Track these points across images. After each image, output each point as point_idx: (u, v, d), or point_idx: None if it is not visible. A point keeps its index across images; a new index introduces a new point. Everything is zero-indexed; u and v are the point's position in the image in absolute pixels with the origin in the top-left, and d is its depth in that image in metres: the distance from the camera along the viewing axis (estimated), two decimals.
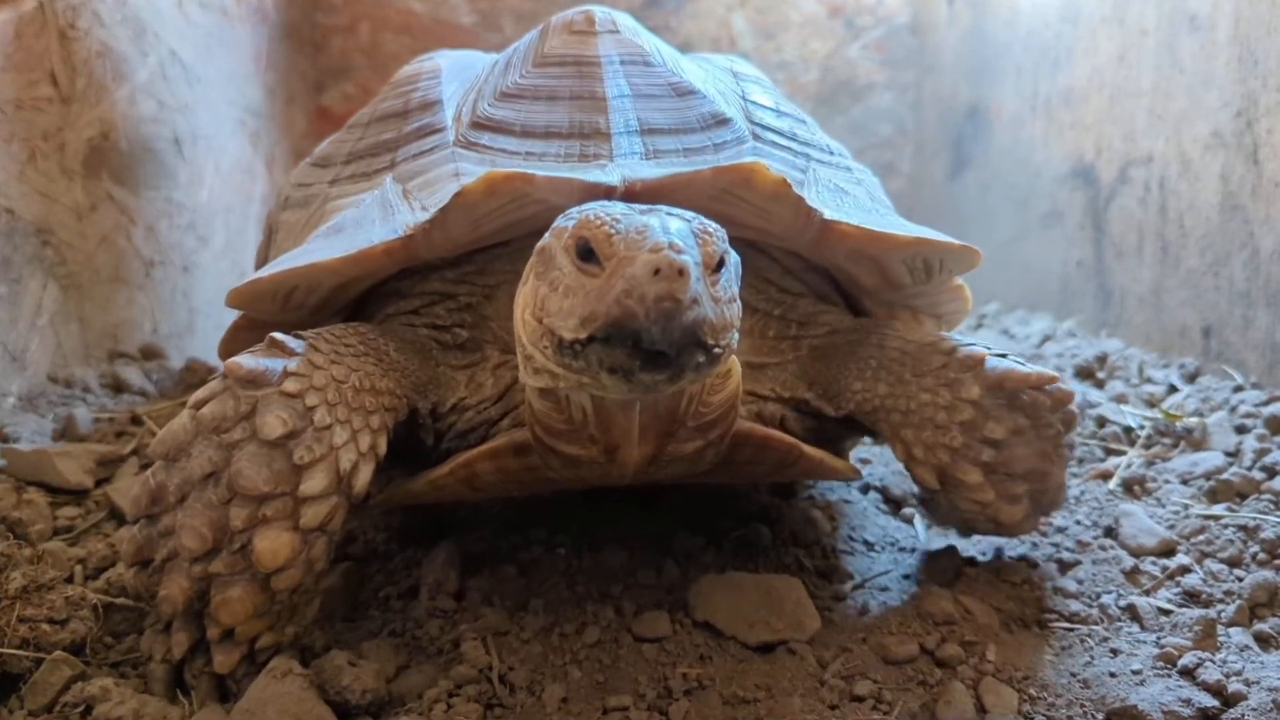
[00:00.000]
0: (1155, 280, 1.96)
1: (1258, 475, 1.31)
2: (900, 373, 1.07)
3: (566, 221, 0.82)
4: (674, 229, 0.75)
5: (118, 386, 1.62)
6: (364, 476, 0.91)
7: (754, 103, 1.23)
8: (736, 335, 0.80)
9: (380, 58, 3.10)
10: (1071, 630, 1.04)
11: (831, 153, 1.27)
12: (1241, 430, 1.46)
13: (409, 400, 1.00)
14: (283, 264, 1.04)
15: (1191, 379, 1.73)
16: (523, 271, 0.89)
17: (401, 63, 1.38)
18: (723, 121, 1.15)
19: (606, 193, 0.99)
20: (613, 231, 0.76)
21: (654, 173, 1.02)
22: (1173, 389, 1.70)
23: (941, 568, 1.14)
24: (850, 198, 1.15)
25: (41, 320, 1.50)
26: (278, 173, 2.55)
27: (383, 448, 0.94)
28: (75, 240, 1.60)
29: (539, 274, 0.83)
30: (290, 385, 0.88)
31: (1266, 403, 1.50)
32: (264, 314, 1.14)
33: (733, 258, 0.84)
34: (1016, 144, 2.66)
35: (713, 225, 0.80)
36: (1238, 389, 1.60)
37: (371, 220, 1.05)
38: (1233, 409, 1.53)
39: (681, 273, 0.70)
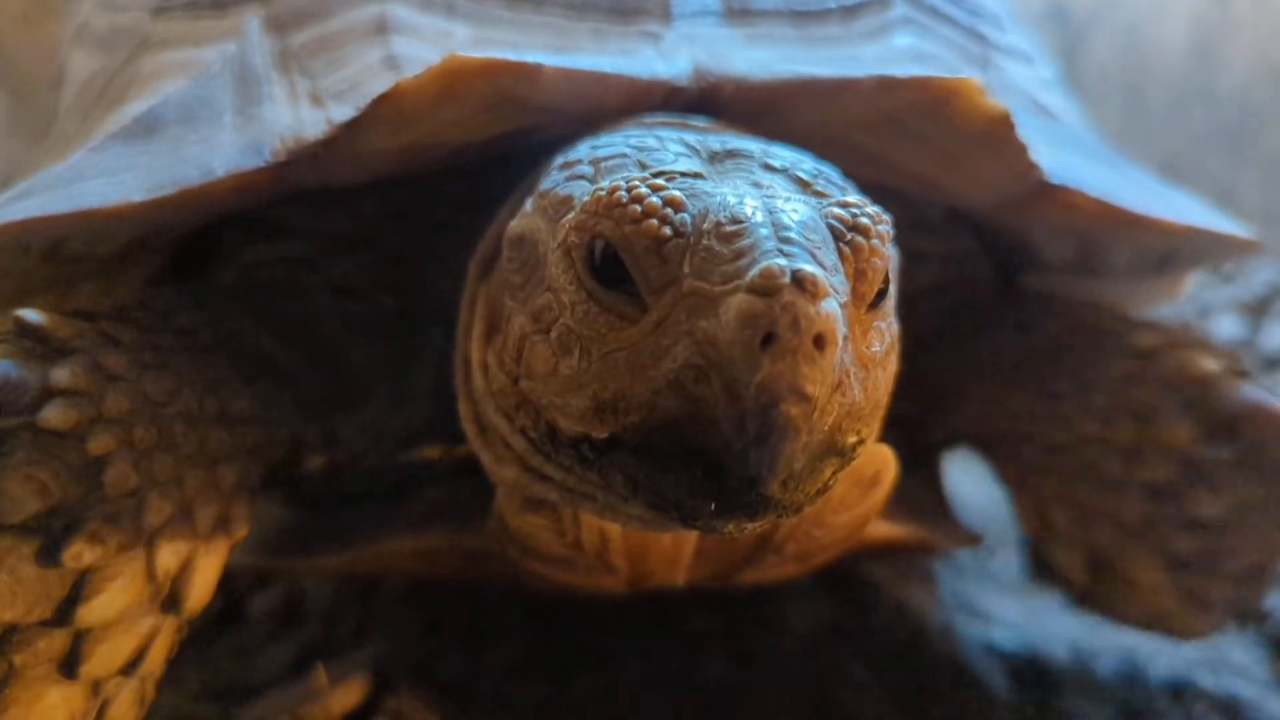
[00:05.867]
0: (1121, 122, 1.95)
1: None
2: (1052, 376, 0.64)
3: (569, 186, 0.44)
4: (795, 221, 0.38)
5: None
6: (206, 579, 0.54)
7: None
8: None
9: None
10: None
11: (1001, 25, 0.78)
12: None
13: (293, 431, 0.61)
14: (35, 199, 0.59)
15: None
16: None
17: None
18: None
19: (667, 97, 0.57)
20: (666, 229, 0.38)
21: (754, 67, 0.58)
22: None
23: None
24: (1060, 126, 0.73)
25: None
26: None
27: (242, 525, 0.57)
28: (22, 49, 1.57)
29: (513, 286, 0.45)
30: (55, 415, 0.48)
31: None
32: (15, 272, 0.67)
33: (893, 260, 0.45)
34: None
35: (872, 206, 0.42)
36: None
37: (217, 114, 0.61)
38: None
39: (820, 340, 0.35)
